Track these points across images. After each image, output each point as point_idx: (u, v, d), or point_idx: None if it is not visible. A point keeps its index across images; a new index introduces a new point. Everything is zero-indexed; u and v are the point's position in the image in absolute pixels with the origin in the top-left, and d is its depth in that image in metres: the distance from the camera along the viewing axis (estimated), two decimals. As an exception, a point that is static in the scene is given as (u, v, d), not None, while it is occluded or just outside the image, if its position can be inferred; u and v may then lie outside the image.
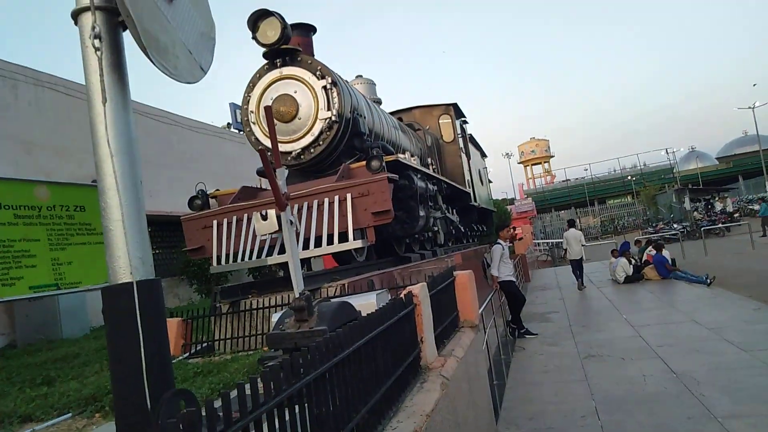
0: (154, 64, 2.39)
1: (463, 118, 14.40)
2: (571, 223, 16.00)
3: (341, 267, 7.74)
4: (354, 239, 5.97)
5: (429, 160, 11.40)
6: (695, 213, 31.07)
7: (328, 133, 6.92)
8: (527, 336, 9.12)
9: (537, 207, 48.25)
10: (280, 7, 6.68)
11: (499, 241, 9.27)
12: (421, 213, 7.88)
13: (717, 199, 35.05)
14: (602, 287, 14.22)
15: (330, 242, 6.01)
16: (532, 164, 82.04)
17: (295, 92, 6.90)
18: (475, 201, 14.39)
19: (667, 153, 61.29)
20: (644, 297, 11.88)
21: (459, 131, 13.55)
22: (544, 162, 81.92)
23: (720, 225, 26.33)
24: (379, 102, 10.70)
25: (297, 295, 3.14)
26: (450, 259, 10.54)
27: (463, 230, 13.24)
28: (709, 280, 11.98)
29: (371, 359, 2.85)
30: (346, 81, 7.96)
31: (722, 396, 5.29)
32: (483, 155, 19.71)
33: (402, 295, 3.73)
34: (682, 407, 5.17)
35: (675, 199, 35.40)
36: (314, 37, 7.95)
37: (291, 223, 3.11)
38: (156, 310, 2.39)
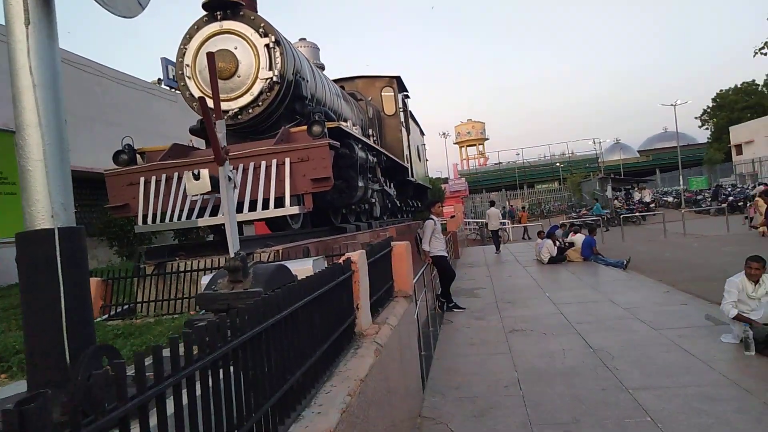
0: (85, -9, 2.17)
1: (405, 92, 14.36)
2: (492, 203, 23.08)
3: (275, 233, 7.57)
4: (291, 205, 5.83)
5: (370, 131, 11.31)
6: (616, 201, 32.80)
7: (268, 93, 6.68)
8: (455, 310, 9.33)
9: (470, 187, 49.35)
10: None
11: (432, 216, 9.35)
12: (360, 183, 7.82)
13: (636, 189, 37.11)
14: (528, 267, 14.77)
15: (265, 207, 5.84)
16: (468, 145, 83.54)
17: (236, 48, 6.59)
18: (413, 176, 14.48)
19: (594, 143, 64.14)
20: (566, 277, 12.44)
21: (401, 105, 13.51)
22: (479, 144, 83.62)
23: (637, 214, 27.92)
24: (322, 67, 10.45)
25: (232, 255, 3.02)
26: (385, 232, 10.57)
27: (398, 204, 13.31)
28: (625, 264, 12.72)
29: (308, 323, 2.79)
30: (290, 42, 7.69)
31: (633, 370, 5.63)
32: (421, 132, 19.82)
33: (341, 261, 3.67)
34: (598, 379, 5.46)
35: (598, 186, 37.17)
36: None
37: (229, 179, 2.96)
38: (78, 261, 2.21)
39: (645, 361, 5.85)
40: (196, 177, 4.70)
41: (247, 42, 6.58)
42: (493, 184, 63.57)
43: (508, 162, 70.41)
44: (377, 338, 3.70)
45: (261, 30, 6.61)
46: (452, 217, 24.94)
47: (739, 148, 48.24)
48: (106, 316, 5.64)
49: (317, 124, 6.16)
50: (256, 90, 6.65)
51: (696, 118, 55.41)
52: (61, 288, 1.88)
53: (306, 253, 5.53)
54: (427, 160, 22.76)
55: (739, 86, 57.56)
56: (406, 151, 13.47)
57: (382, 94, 13.06)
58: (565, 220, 24.02)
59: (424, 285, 7.82)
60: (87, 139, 13.28)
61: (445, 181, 43.86)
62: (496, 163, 72.22)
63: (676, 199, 36.00)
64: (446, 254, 9.77)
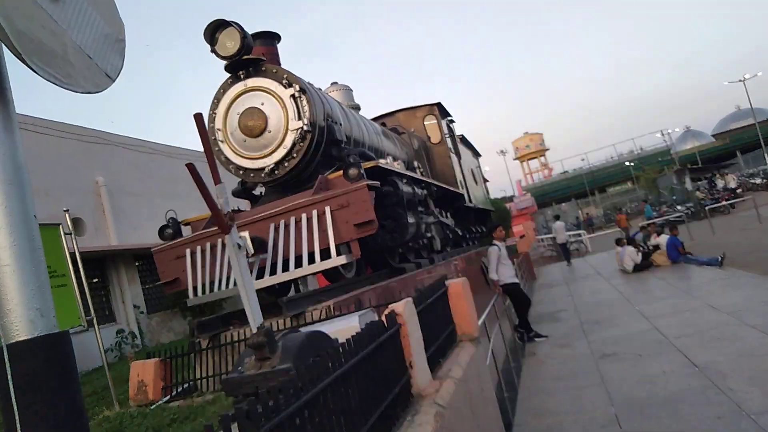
0: (36, 72, 1.97)
1: (449, 117, 13.96)
2: (557, 217, 23.65)
3: (331, 285, 7.28)
4: (337, 255, 5.52)
5: (416, 163, 10.96)
6: (698, 192, 30.56)
7: (301, 144, 6.49)
8: (537, 339, 8.63)
9: (537, 202, 47.70)
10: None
11: (495, 242, 8.78)
12: (411, 219, 7.42)
13: (718, 176, 34.56)
14: (611, 278, 13.72)
15: (311, 261, 5.56)
16: (528, 159, 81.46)
17: (263, 104, 6.49)
18: (470, 201, 13.93)
19: (663, 135, 60.83)
20: (656, 285, 11.39)
21: (446, 131, 13.11)
22: (540, 156, 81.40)
23: (724, 202, 25.76)
24: (357, 108, 10.28)
25: (254, 330, 2.69)
26: (449, 264, 10.07)
27: (460, 233, 12.78)
28: (721, 260, 11.49)
29: (345, 397, 2.40)
30: (319, 89, 7.55)
31: (752, 388, 4.81)
32: (476, 154, 19.27)
33: (383, 316, 3.27)
34: (710, 405, 4.69)
35: (675, 180, 34.93)
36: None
37: (239, 247, 2.67)
38: (64, 370, 1.95)
39: (764, 376, 5.00)
40: (236, 241, 4.51)
41: (273, 96, 6.47)
42: (562, 194, 61.27)
43: (574, 169, 68.00)
44: (438, 398, 3.24)
45: (285, 81, 6.49)
46: (522, 237, 23.93)
47: (827, 113, 44.14)
48: (168, 397, 5.47)
49: (353, 166, 5.88)
50: (288, 142, 6.48)
51: (771, 90, 51.31)
52: (16, 413, 1.59)
53: (358, 305, 5.17)
54: (487, 181, 22.11)
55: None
56: (459, 177, 12.98)
57: (425, 123, 12.70)
58: (645, 221, 22.47)
59: (497, 317, 7.23)
60: (148, 215, 13.74)
61: (510, 199, 42.64)
62: (561, 173, 69.89)
63: (765, 180, 33.20)
64: (517, 280, 9.13)
